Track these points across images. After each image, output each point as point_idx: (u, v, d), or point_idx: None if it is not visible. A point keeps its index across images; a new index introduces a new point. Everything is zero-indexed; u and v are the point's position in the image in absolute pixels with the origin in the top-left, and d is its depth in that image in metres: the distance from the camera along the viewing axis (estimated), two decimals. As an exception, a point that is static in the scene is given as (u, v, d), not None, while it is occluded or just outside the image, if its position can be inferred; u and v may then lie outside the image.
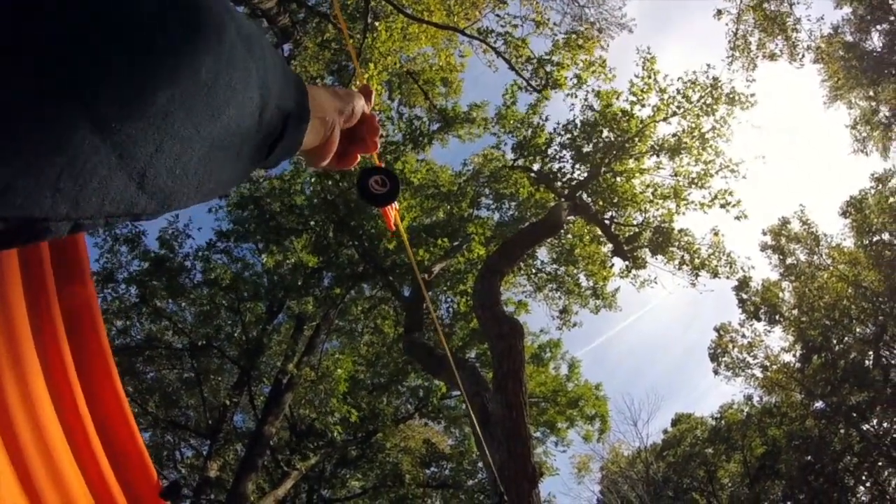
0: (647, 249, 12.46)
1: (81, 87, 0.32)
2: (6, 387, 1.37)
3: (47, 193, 0.33)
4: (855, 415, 20.24)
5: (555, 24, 11.78)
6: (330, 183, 10.75)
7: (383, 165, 0.92)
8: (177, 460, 17.38)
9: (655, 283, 13.03)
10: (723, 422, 23.71)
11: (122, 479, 1.67)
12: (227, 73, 0.41)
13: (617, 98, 11.77)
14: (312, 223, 11.30)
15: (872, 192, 20.48)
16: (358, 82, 10.22)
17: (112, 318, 13.28)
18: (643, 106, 11.68)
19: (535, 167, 12.31)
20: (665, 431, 26.42)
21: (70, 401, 1.56)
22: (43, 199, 0.33)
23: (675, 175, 12.29)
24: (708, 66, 11.92)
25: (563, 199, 11.16)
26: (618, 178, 12.05)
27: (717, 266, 12.47)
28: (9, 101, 0.30)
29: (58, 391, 1.52)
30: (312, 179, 11.03)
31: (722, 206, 12.21)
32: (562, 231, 11.68)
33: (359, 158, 0.80)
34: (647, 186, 12.40)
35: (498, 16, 11.23)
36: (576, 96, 11.65)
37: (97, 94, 0.33)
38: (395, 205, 1.02)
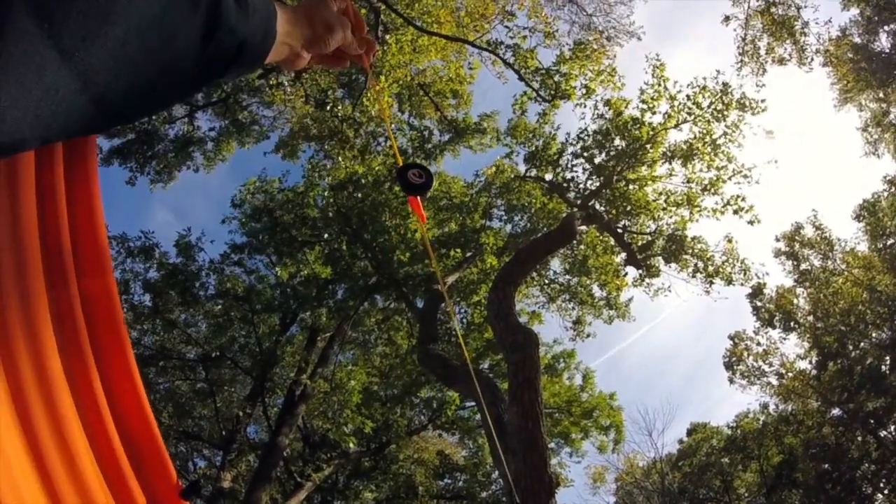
0: (660, 257, 12.40)
1: (51, 25, 0.38)
2: (26, 382, 1.37)
3: (29, 119, 0.39)
4: (872, 421, 19.94)
5: (563, 34, 11.86)
6: (342, 195, 10.82)
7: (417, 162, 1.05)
8: (190, 471, 17.42)
9: (669, 291, 12.95)
10: (738, 431, 23.41)
11: (140, 477, 1.67)
12: (177, 6, 0.47)
13: (627, 106, 11.79)
14: (326, 235, 11.35)
15: (885, 194, 20.29)
16: (370, 94, 10.31)
17: (126, 329, 13.35)
18: (654, 113, 11.69)
19: (548, 177, 12.31)
20: (680, 441, 26.13)
21: (90, 397, 1.55)
22: (25, 125, 0.39)
23: (688, 182, 12.26)
24: (717, 71, 11.92)
25: (575, 209, 11.15)
26: (630, 187, 12.03)
27: (731, 273, 12.38)
28: None
29: (77, 387, 1.52)
30: (326, 192, 11.10)
31: (735, 211, 12.14)
32: (575, 241, 11.65)
33: (346, 64, 0.85)
34: (660, 194, 12.37)
35: (507, 27, 11.31)
36: (585, 105, 11.68)
37: (63, 28, 0.38)
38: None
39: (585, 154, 12.00)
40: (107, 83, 0.43)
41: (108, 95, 0.44)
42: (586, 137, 11.94)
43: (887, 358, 20.22)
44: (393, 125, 11.41)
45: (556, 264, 13.45)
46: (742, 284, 12.71)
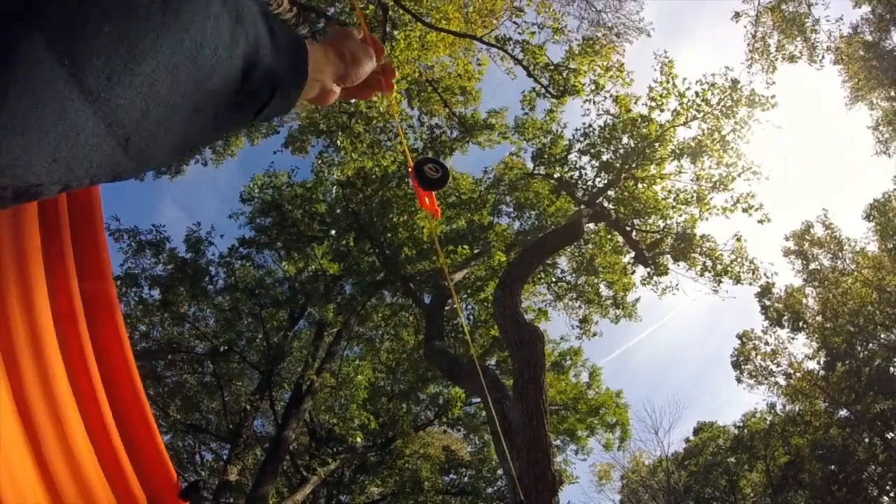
0: (669, 256, 12.36)
1: (72, 63, 0.35)
2: (27, 381, 1.37)
3: (45, 164, 0.36)
4: (879, 423, 19.81)
5: (572, 30, 11.80)
6: (350, 191, 10.85)
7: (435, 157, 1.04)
8: (197, 463, 17.56)
9: (677, 289, 12.90)
10: (745, 430, 23.32)
11: (141, 477, 1.68)
12: (212, 42, 0.44)
13: (636, 103, 11.73)
14: (334, 231, 11.38)
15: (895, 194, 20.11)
16: (383, 99, 10.29)
17: (134, 322, 13.48)
18: (662, 111, 11.62)
19: (556, 175, 12.29)
20: (687, 440, 26.07)
21: (90, 399, 1.56)
22: (41, 169, 0.36)
23: (697, 179, 12.19)
24: (727, 68, 11.83)
25: (583, 207, 11.12)
26: (639, 185, 11.98)
27: (739, 272, 12.32)
28: (9, 82, 0.33)
29: (78, 389, 1.53)
30: (335, 188, 11.12)
31: (744, 210, 12.08)
32: (582, 239, 11.63)
33: (371, 95, 0.84)
34: (669, 192, 12.32)
35: (515, 23, 11.28)
36: (594, 102, 11.64)
37: (86, 66, 0.36)
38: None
39: (593, 151, 11.96)
40: (135, 125, 0.40)
41: (136, 138, 0.41)
42: (592, 134, 11.90)
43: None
44: (403, 122, 11.41)
45: (563, 262, 13.44)
46: (751, 283, 12.65)
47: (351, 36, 0.75)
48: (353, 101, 11.37)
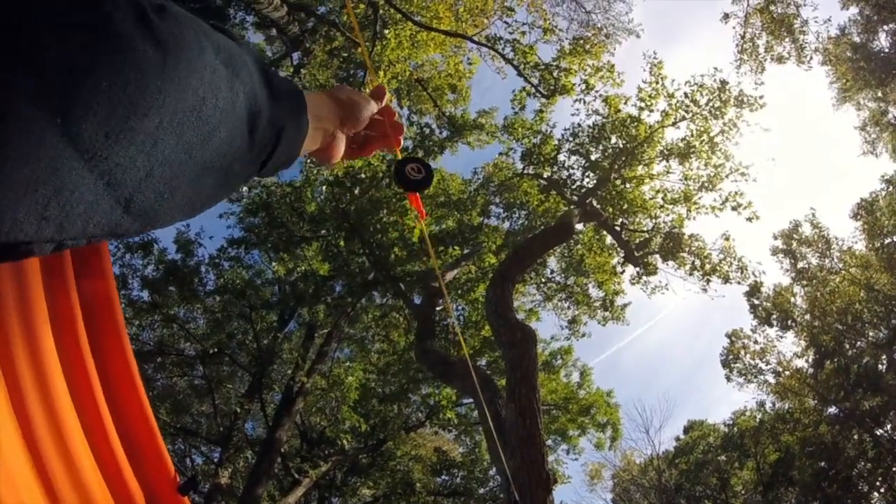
0: (657, 255, 12.40)
1: (65, 120, 0.33)
2: (24, 378, 1.37)
3: (33, 221, 0.34)
4: (869, 420, 19.99)
5: (562, 30, 11.84)
6: (340, 191, 10.79)
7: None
8: (187, 467, 17.42)
9: (666, 289, 12.95)
10: (735, 429, 23.47)
11: (138, 473, 1.67)
12: (213, 96, 0.41)
13: (625, 103, 11.78)
14: (323, 231, 11.33)
15: (883, 193, 20.31)
16: (370, 87, 10.28)
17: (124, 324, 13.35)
18: (651, 111, 11.67)
19: (545, 175, 12.31)
20: (677, 439, 26.18)
21: (88, 394, 1.55)
22: (29, 226, 0.34)
23: (685, 179, 12.26)
24: (715, 69, 11.90)
25: (573, 206, 11.14)
26: (627, 185, 12.02)
27: (728, 271, 12.38)
28: None
29: (75, 384, 1.52)
30: (324, 188, 11.07)
31: (733, 208, 12.15)
32: (572, 240, 11.64)
33: (375, 151, 0.83)
34: (657, 192, 12.37)
35: (506, 23, 11.30)
36: (584, 102, 11.67)
37: (81, 124, 0.33)
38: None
39: (582, 151, 11.99)
40: (137, 185, 0.38)
41: (139, 198, 0.38)
42: (581, 134, 11.93)
43: (884, 357, 20.27)
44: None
45: (552, 263, 13.46)
46: (739, 282, 12.72)
47: (345, 87, 0.73)
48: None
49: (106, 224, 0.38)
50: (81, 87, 0.33)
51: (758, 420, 22.88)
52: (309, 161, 11.82)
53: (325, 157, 0.70)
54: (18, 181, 0.32)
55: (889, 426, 20.60)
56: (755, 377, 22.22)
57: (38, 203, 0.33)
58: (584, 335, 14.06)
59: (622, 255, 12.38)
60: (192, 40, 0.41)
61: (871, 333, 20.82)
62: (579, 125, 12.00)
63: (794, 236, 21.65)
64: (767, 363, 22.12)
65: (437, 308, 10.63)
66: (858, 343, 20.94)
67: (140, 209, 0.39)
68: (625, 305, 13.47)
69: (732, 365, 22.40)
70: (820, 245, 21.39)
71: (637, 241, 12.36)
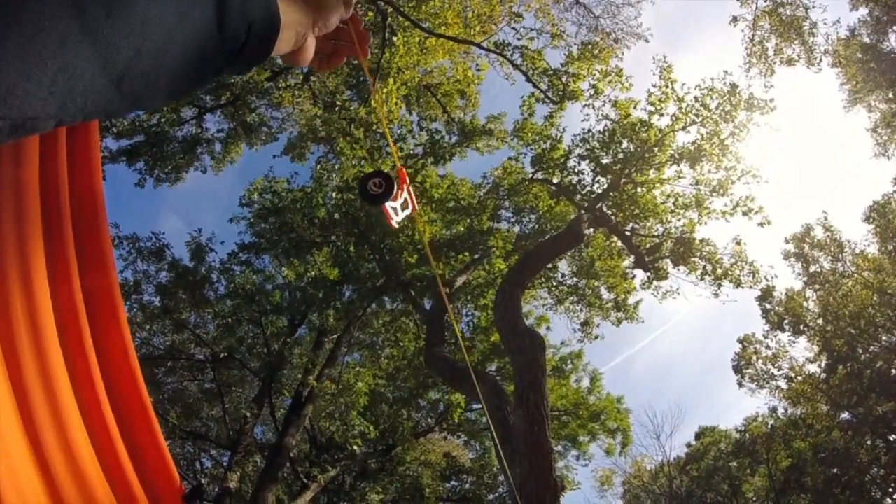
0: (668, 260, 12.34)
1: None
2: (29, 384, 1.36)
3: (42, 95, 0.36)
4: (882, 426, 19.75)
5: (570, 35, 11.84)
6: (350, 196, 10.84)
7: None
8: (197, 470, 17.49)
9: (678, 294, 12.87)
10: (747, 435, 23.25)
11: (143, 481, 1.66)
12: None
13: (635, 107, 11.75)
14: (334, 237, 11.38)
15: (895, 196, 20.12)
16: (376, 97, 10.33)
17: (135, 329, 13.47)
18: (661, 115, 11.63)
19: (555, 180, 12.29)
20: (688, 445, 25.99)
21: (93, 400, 1.55)
22: (38, 101, 0.36)
23: (696, 183, 12.20)
24: (725, 72, 11.85)
25: (583, 211, 11.12)
26: (638, 189, 11.98)
27: (739, 276, 12.29)
28: (20, 7, 0.33)
29: (80, 389, 1.51)
30: (334, 193, 11.13)
31: (744, 213, 12.08)
32: (582, 244, 11.61)
33: (344, 59, 0.84)
34: (668, 196, 12.32)
35: (514, 29, 11.30)
36: (594, 107, 11.65)
37: (89, 1, 0.36)
38: (401, 210, 1.11)
39: (592, 156, 11.96)
40: (127, 64, 0.40)
41: (127, 77, 0.41)
42: (591, 139, 11.90)
43: (897, 361, 20.04)
44: (402, 127, 11.42)
45: (563, 266, 13.42)
46: (751, 287, 12.62)
47: None
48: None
49: (100, 102, 0.41)
50: None
51: (770, 426, 22.66)
52: (320, 167, 11.90)
53: (296, 60, 0.72)
54: (31, 53, 0.34)
55: (903, 432, 20.34)
56: (767, 382, 22.02)
57: (47, 77, 0.36)
58: (597, 337, 14.01)
59: (633, 259, 12.33)
60: None
61: (884, 338, 20.58)
62: (589, 130, 11.99)
63: (807, 240, 21.47)
64: (780, 368, 21.92)
65: (447, 314, 10.64)
66: (871, 347, 20.69)
67: (129, 89, 0.42)
68: (637, 303, 13.41)
69: (744, 370, 22.21)
70: (832, 248, 21.20)
71: (648, 245, 12.30)
